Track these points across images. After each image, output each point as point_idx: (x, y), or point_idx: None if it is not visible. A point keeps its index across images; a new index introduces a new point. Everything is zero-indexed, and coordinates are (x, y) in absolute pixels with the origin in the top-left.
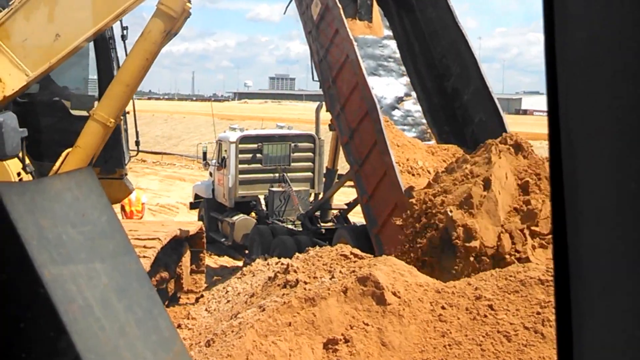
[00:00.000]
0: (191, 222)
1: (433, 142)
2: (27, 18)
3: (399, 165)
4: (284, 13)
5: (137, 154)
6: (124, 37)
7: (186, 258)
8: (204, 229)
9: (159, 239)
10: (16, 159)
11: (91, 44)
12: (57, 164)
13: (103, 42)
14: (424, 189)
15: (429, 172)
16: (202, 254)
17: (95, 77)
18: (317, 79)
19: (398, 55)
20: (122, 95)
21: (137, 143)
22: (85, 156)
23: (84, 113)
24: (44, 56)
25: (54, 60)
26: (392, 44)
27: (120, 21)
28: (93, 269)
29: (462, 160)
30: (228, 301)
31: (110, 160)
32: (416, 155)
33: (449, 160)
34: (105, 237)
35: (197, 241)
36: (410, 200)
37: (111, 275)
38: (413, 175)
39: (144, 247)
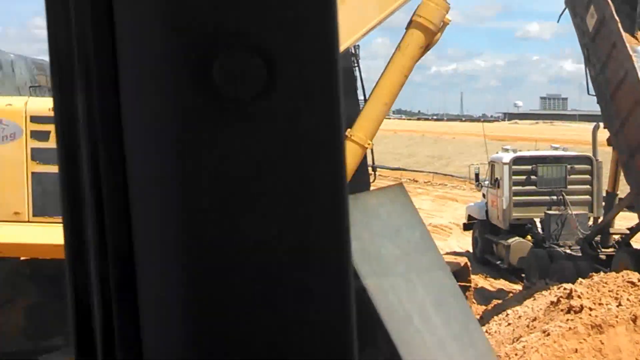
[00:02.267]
0: (456, 257)
1: None
2: None
3: None
4: (557, 21)
5: None
6: (356, 56)
7: None
8: (469, 265)
9: None
10: None
11: None
12: None
13: (346, 58)
14: None
15: None
16: (467, 291)
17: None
18: (593, 93)
19: None
20: (381, 115)
21: None
22: None
23: None
24: None
25: None
26: None
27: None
28: (410, 282)
29: None
30: (509, 324)
31: (357, 186)
32: None
33: None
34: (419, 252)
35: (462, 277)
36: None
37: (427, 289)
38: None
39: None
